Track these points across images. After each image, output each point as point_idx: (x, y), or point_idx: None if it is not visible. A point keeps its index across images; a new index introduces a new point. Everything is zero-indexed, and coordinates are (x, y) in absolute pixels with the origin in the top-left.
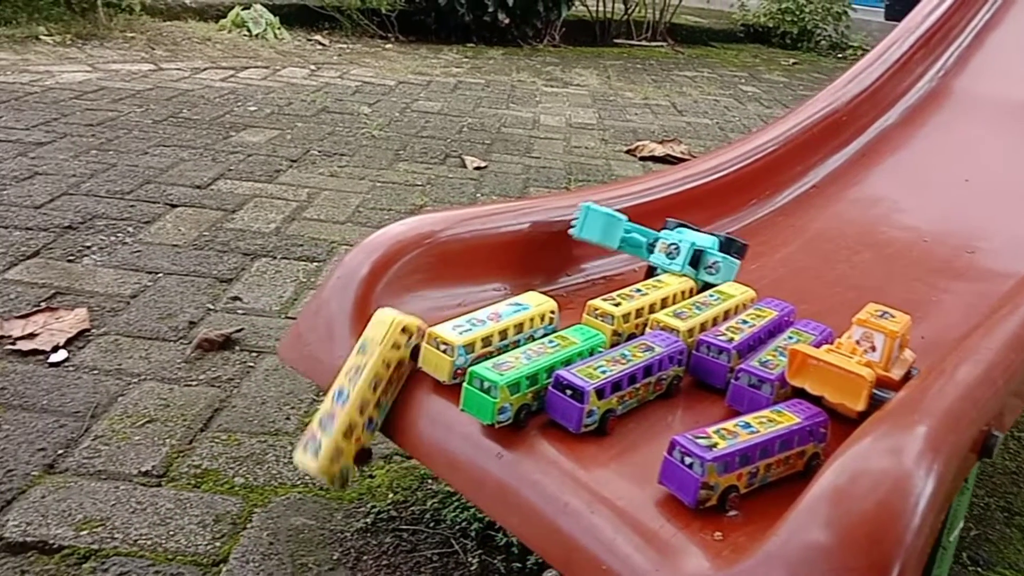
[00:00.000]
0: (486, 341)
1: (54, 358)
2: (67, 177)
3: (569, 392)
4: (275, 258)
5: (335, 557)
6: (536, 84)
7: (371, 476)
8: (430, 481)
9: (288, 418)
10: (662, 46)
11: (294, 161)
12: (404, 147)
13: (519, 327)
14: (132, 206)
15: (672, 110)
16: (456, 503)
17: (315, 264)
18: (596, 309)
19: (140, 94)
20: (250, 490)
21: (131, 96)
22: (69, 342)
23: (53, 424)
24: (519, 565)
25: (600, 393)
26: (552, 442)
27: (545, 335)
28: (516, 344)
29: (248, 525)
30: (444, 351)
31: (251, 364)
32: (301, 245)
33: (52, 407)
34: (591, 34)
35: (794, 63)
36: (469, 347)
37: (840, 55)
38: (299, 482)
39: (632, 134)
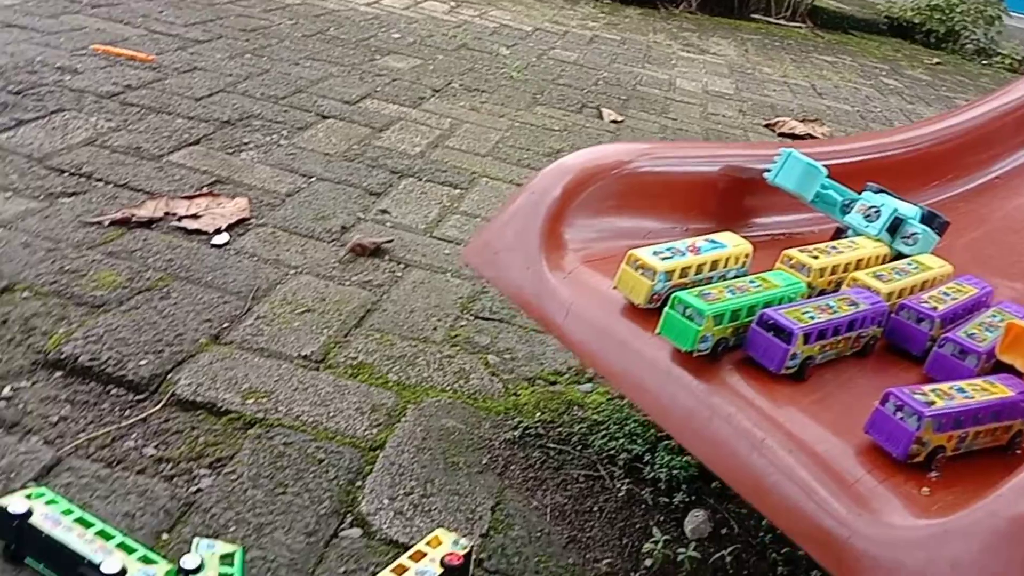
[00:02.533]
0: (684, 272)
1: (216, 240)
2: (224, 75)
3: (774, 332)
4: (420, 179)
5: (484, 462)
6: (672, 48)
7: (515, 394)
8: (577, 407)
9: (435, 329)
10: (801, 27)
11: (436, 91)
12: (541, 92)
13: (715, 264)
14: (286, 111)
15: (812, 91)
16: (604, 431)
17: (458, 191)
18: (792, 259)
19: (289, 8)
20: (403, 387)
21: (281, 8)
22: (230, 227)
23: (217, 300)
24: (666, 500)
25: (807, 338)
26: (747, 379)
27: (735, 277)
28: (709, 280)
29: (402, 419)
30: (644, 274)
31: (399, 274)
32: (444, 171)
33: (216, 284)
34: (728, 5)
35: (937, 63)
36: (669, 274)
37: (986, 61)
38: (448, 388)
39: (770, 109)
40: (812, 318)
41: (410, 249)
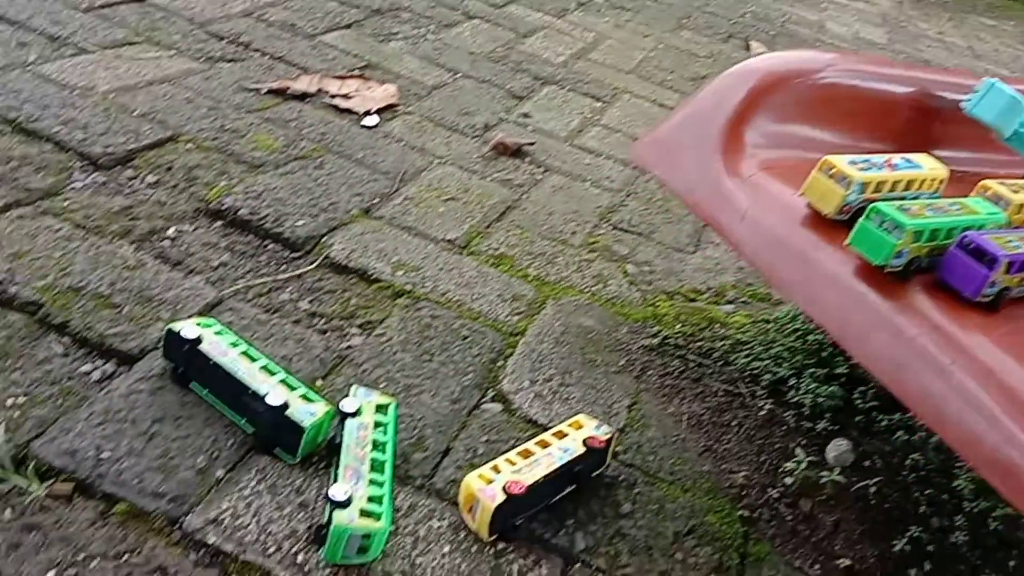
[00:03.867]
0: (879, 186)
1: (366, 122)
2: None
3: (976, 257)
4: (563, 88)
5: (621, 363)
6: None
7: (654, 305)
8: (719, 325)
9: (574, 233)
10: None
11: (581, 4)
12: (687, 16)
13: (909, 183)
14: (433, 7)
15: (969, 52)
16: (747, 351)
17: (600, 104)
18: (989, 189)
19: None
20: (542, 283)
21: None
22: (379, 111)
23: (368, 176)
24: (809, 425)
25: (1010, 267)
26: (936, 303)
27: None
28: (901, 200)
29: (542, 312)
30: (838, 183)
31: (539, 177)
32: (587, 83)
33: (366, 162)
34: None
35: None
36: (865, 186)
37: None
38: (586, 290)
39: (925, 64)
40: (1018, 248)
41: (550, 154)
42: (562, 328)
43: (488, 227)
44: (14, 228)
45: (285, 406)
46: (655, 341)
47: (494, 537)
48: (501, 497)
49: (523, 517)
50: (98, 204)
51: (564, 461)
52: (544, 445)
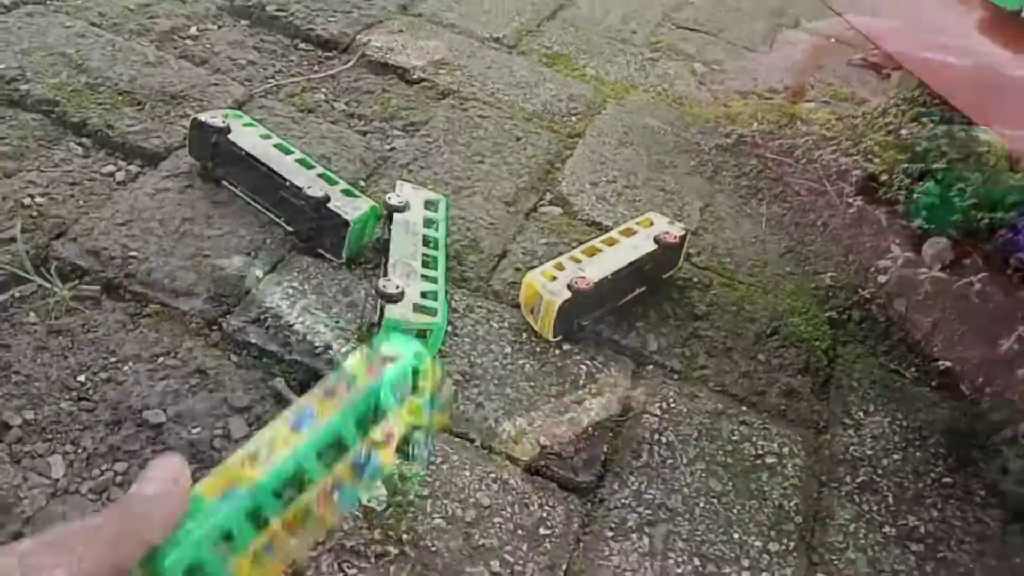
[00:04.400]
0: None
1: None
2: None
3: None
4: None
5: (691, 164)
6: None
7: (726, 105)
8: (800, 122)
9: (634, 32)
10: None
11: None
12: None
13: None
14: None
15: None
16: (833, 147)
17: None
18: None
19: None
20: (601, 83)
21: None
22: None
23: None
24: (903, 224)
25: None
26: None
27: None
28: None
29: (602, 112)
30: None
31: None
32: None
33: None
34: None
35: None
36: None
37: None
38: (651, 89)
39: None
40: None
41: None
42: (625, 129)
43: (539, 25)
44: (23, 25)
45: (326, 199)
46: (729, 141)
47: (559, 338)
48: (566, 294)
49: (590, 318)
50: (114, 1)
51: (633, 258)
52: (611, 243)
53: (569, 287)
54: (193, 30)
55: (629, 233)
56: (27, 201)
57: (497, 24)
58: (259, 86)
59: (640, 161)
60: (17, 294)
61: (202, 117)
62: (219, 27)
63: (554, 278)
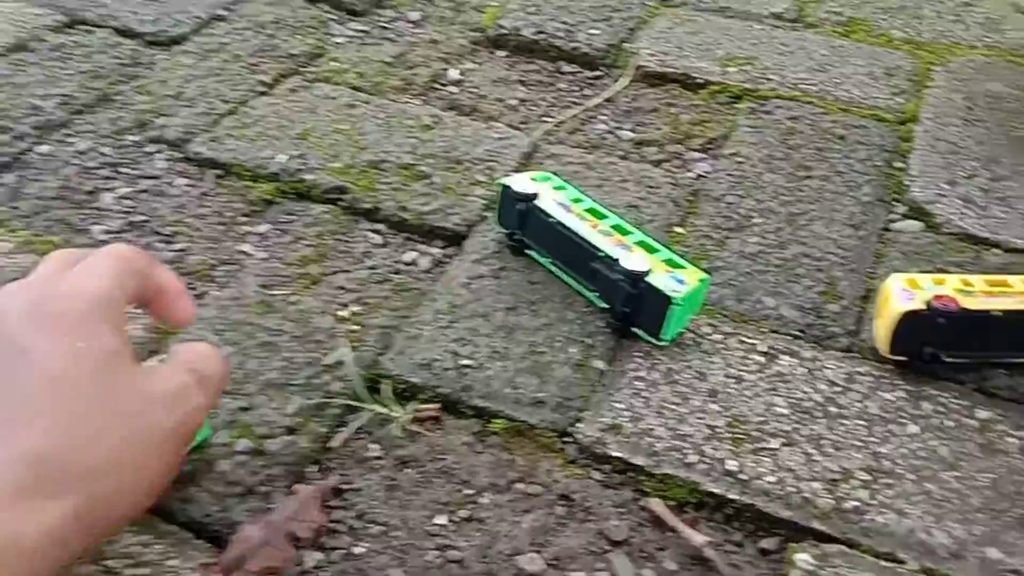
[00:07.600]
0: None
1: None
2: None
3: None
4: None
5: None
6: None
7: None
8: None
9: None
10: None
11: None
12: None
13: None
14: None
15: None
16: None
17: None
18: None
19: None
20: (915, 46)
21: None
22: None
23: None
24: None
25: None
26: None
27: None
28: None
29: (929, 84)
30: None
31: None
32: None
33: None
34: None
35: None
36: None
37: None
38: (978, 44)
39: None
40: None
41: None
42: (966, 102)
43: None
44: (291, 104)
45: (646, 272)
46: None
47: (896, 359)
48: (916, 306)
49: (952, 356)
50: (368, 58)
51: None
52: None
53: (927, 301)
54: (455, 74)
55: None
56: (342, 313)
57: None
58: (536, 127)
59: (997, 142)
60: (356, 426)
61: (507, 181)
62: (478, 64)
63: (918, 287)
